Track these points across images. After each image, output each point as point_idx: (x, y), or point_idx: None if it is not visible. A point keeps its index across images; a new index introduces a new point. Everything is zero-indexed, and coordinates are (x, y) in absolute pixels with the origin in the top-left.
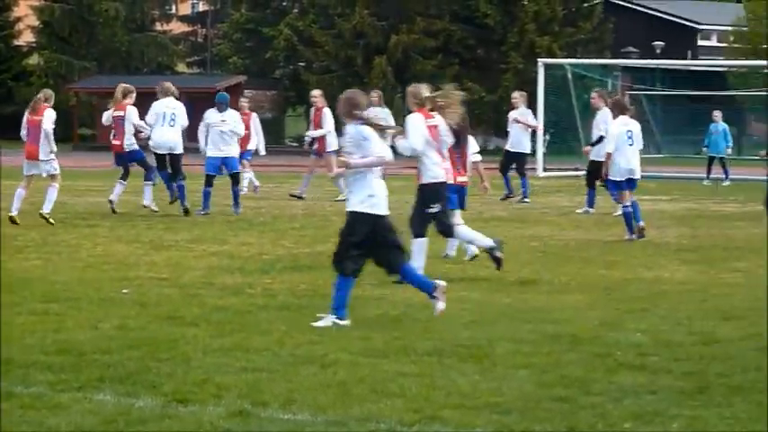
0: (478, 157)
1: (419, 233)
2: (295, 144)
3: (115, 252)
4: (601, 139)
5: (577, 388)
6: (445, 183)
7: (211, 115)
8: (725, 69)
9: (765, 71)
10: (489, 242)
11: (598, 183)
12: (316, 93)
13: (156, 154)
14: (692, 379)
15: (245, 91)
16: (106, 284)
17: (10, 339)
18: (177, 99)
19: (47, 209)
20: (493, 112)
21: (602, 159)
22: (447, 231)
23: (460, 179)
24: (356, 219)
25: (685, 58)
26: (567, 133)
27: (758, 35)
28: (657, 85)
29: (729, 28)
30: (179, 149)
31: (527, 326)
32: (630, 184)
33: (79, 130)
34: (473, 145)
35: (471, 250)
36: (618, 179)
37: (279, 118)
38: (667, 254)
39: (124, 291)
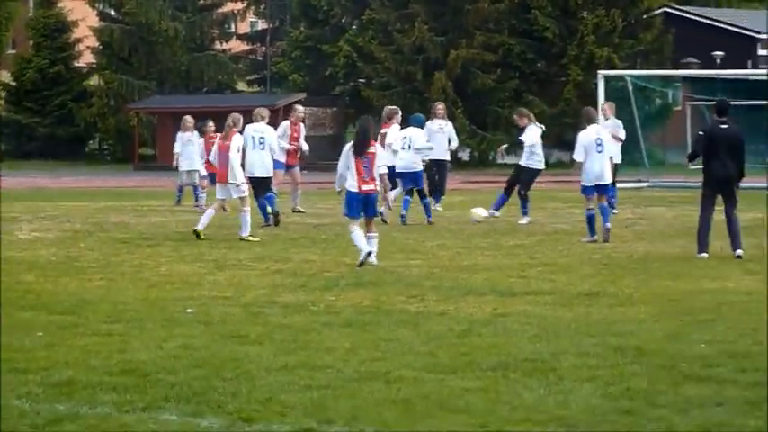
0: (384, 170)
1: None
2: None
3: (178, 272)
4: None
5: (643, 400)
6: None
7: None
8: None
9: None
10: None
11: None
12: (299, 107)
13: (250, 178)
14: (759, 389)
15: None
16: (170, 304)
17: (74, 360)
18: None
19: (244, 233)
20: (554, 126)
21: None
22: None
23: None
24: None
25: (745, 68)
26: (629, 145)
27: None
28: (718, 95)
29: None
30: (267, 173)
31: (591, 339)
32: (600, 189)
33: (140, 150)
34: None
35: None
36: (588, 185)
37: (339, 134)
38: (732, 264)
39: (188, 310)
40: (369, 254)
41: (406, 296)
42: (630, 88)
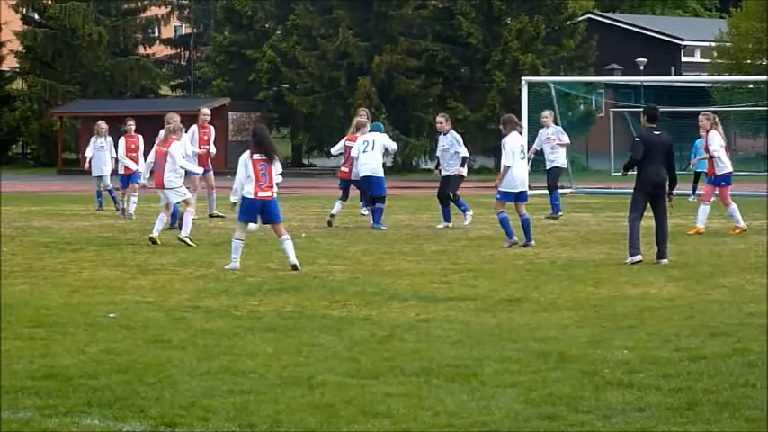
0: (280, 179)
1: None
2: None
3: (101, 276)
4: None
5: (565, 406)
6: None
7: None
8: (708, 85)
9: (749, 86)
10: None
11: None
12: (205, 110)
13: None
14: (680, 395)
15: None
16: (92, 309)
17: None
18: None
19: (184, 233)
20: (478, 132)
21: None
22: None
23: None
24: None
25: (669, 75)
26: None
27: (741, 50)
28: (641, 101)
29: (713, 44)
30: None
31: (514, 344)
32: (520, 197)
33: (63, 155)
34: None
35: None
36: (510, 191)
37: None
38: (654, 271)
39: (111, 315)
40: (234, 267)
41: (330, 301)
42: (554, 95)
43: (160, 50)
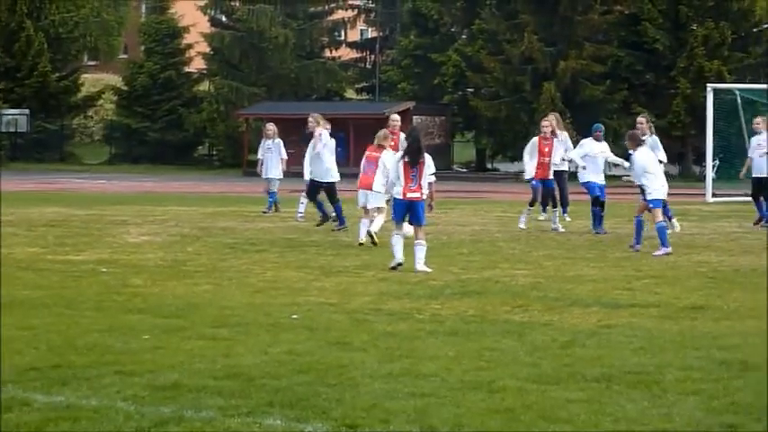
0: (433, 178)
1: None
2: (464, 170)
3: (284, 277)
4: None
5: (747, 415)
6: None
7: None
8: None
9: None
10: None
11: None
12: (395, 116)
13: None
14: None
15: (414, 117)
16: (275, 310)
17: (180, 364)
18: None
19: (375, 228)
20: (663, 138)
21: None
22: None
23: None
24: None
25: None
26: (736, 159)
27: None
28: None
29: None
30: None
31: (696, 352)
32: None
33: (249, 156)
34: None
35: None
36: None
37: (447, 143)
38: None
39: (293, 316)
40: (400, 264)
41: (511, 306)
42: (739, 102)
43: (346, 53)
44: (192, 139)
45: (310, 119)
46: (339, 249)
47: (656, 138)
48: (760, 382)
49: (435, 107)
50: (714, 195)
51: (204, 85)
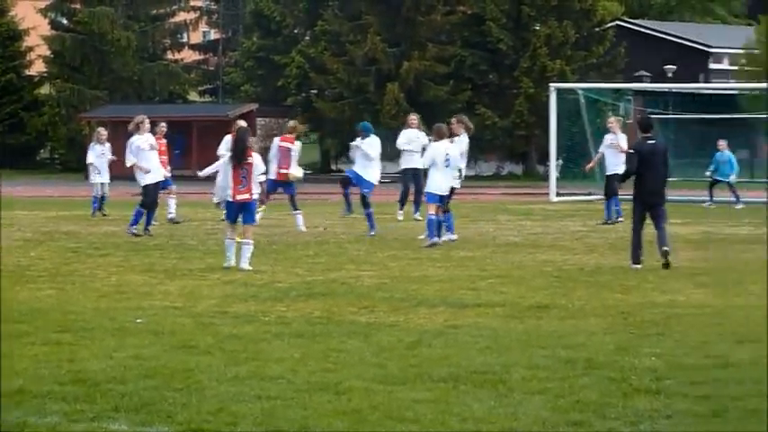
0: (263, 178)
1: None
2: (309, 171)
3: (129, 281)
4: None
5: (593, 413)
6: None
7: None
8: (736, 92)
9: None
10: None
11: None
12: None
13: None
14: (708, 403)
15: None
16: (120, 314)
17: (24, 370)
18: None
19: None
20: (506, 138)
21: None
22: None
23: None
24: None
25: (697, 82)
26: (579, 158)
27: None
28: (670, 108)
29: (741, 51)
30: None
31: (542, 351)
32: (442, 199)
33: None
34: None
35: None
36: (436, 193)
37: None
38: (682, 278)
39: (139, 320)
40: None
41: (357, 307)
42: (582, 101)
43: (188, 56)
44: (33, 143)
45: (131, 124)
46: (183, 252)
47: (424, 134)
48: (601, 380)
49: (279, 109)
50: (558, 194)
51: (45, 89)
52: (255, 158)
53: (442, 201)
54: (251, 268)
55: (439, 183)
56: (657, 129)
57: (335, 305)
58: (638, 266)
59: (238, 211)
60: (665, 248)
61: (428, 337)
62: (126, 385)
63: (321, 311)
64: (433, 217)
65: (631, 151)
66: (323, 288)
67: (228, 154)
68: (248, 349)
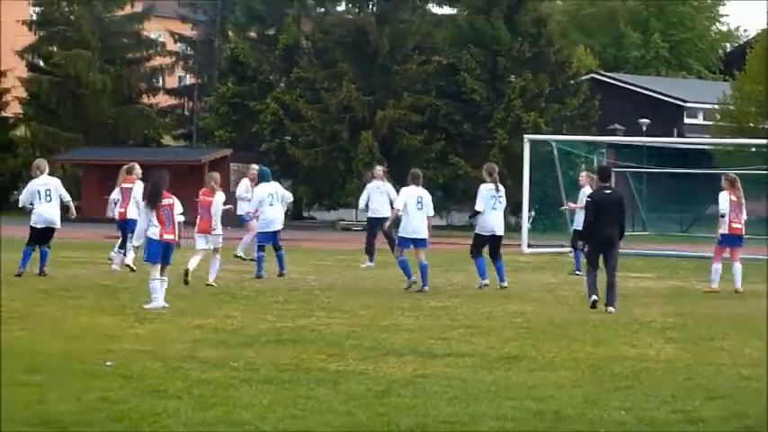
0: (182, 218)
1: None
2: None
3: (99, 324)
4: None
5: None
6: None
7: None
8: (711, 147)
9: (752, 149)
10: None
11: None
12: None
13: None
14: None
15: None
16: (90, 357)
17: None
18: None
19: (212, 277)
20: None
21: None
22: None
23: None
24: None
25: (671, 136)
26: (552, 210)
27: (744, 113)
28: (643, 162)
29: (716, 106)
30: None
31: (510, 402)
32: (417, 243)
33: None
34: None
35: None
36: (406, 236)
37: None
38: (652, 332)
39: (108, 363)
40: (165, 306)
41: (326, 354)
42: (556, 153)
43: (164, 100)
44: (7, 185)
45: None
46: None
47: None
48: None
49: (253, 155)
50: (530, 246)
51: (20, 130)
52: (174, 199)
53: (417, 245)
54: (166, 305)
55: (414, 226)
56: (630, 182)
57: (305, 352)
58: (596, 297)
59: (163, 251)
60: (611, 309)
61: (397, 386)
62: (94, 428)
63: (290, 358)
64: (403, 258)
65: (588, 199)
66: (292, 335)
67: (146, 198)
68: (217, 395)
